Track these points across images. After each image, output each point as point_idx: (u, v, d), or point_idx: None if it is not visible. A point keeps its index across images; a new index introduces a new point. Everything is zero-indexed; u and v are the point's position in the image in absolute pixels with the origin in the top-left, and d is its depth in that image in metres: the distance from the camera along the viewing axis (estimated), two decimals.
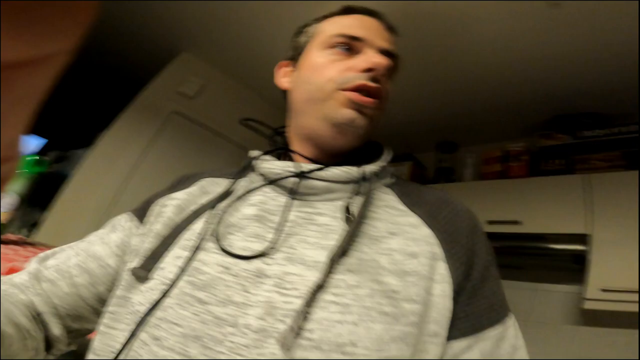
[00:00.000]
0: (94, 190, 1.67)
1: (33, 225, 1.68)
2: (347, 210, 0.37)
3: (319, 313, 0.30)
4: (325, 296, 0.31)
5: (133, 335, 0.32)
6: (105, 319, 0.36)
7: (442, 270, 0.35)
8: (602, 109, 1.32)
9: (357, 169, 0.41)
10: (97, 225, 0.51)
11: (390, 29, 0.50)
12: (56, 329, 0.38)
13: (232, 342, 0.29)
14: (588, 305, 1.11)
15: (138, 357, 0.31)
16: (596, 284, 1.12)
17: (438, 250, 0.36)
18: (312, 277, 0.32)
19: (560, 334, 1.24)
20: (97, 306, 0.41)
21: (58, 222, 1.54)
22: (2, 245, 0.80)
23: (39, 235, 1.46)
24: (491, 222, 1.36)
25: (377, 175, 0.43)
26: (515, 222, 1.31)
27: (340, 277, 0.32)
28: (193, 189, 0.45)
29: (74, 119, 3.50)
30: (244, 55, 1.88)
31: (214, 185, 0.46)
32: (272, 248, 0.35)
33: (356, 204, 0.38)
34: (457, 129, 1.80)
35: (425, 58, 1.28)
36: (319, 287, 0.31)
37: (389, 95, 0.46)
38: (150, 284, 0.35)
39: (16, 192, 0.88)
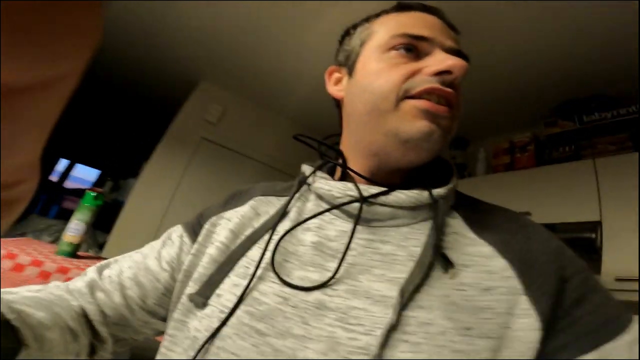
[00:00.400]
0: (144, 213, 1.95)
1: (101, 246, 2.01)
2: (435, 246, 0.33)
3: (388, 353, 0.28)
4: (396, 335, 0.29)
5: None
6: (165, 342, 0.36)
7: (524, 305, 0.31)
8: (607, 91, 1.28)
9: (428, 194, 0.36)
10: (150, 241, 0.53)
11: (454, 27, 0.43)
12: (103, 336, 0.39)
13: None
14: None
15: None
16: (610, 273, 1.08)
17: (516, 283, 0.32)
18: (380, 313, 0.30)
19: None
20: (145, 318, 0.41)
21: (119, 241, 1.84)
22: (79, 260, 1.04)
23: (105, 253, 1.77)
24: None
25: (444, 198, 0.37)
26: (524, 214, 1.32)
27: (411, 314, 0.30)
28: (245, 210, 0.43)
29: (119, 150, 3.97)
30: (257, 77, 2.05)
31: (266, 205, 0.43)
32: (333, 279, 0.33)
33: (423, 232, 0.35)
34: (467, 124, 1.82)
35: None
36: (393, 327, 0.29)
37: (461, 105, 0.39)
38: (208, 310, 0.34)
39: (83, 220, 1.12)
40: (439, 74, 0.35)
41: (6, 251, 0.88)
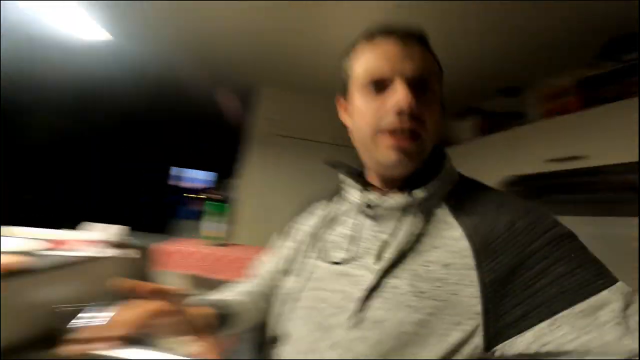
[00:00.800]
0: (250, 204, 2.51)
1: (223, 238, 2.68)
2: (412, 234, 0.47)
3: (368, 303, 0.45)
4: (374, 292, 0.45)
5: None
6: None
7: (472, 278, 0.42)
8: None
9: (407, 198, 0.49)
10: (258, 229, 1.04)
11: (419, 40, 0.50)
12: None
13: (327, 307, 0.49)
14: None
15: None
16: None
17: (471, 261, 0.42)
18: (371, 279, 0.46)
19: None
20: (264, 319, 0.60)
21: (236, 229, 2.45)
22: (225, 247, 1.55)
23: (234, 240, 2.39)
24: (551, 160, 1.44)
25: (427, 197, 0.49)
26: (575, 158, 1.34)
27: (387, 281, 0.45)
28: (307, 216, 0.66)
29: (219, 153, 4.79)
30: (307, 73, 2.34)
31: (318, 209, 0.65)
32: (352, 258, 0.51)
33: (409, 223, 0.48)
34: (517, 71, 1.82)
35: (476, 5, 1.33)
36: (373, 287, 0.45)
37: (437, 114, 0.50)
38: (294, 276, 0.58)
39: (214, 220, 1.63)
40: (398, 116, 0.45)
41: (194, 249, 1.41)
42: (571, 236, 0.43)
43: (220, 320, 0.51)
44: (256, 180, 2.59)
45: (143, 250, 1.40)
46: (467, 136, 2.17)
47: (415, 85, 0.47)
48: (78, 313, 0.72)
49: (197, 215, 4.08)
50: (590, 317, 0.36)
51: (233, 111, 3.30)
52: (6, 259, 0.77)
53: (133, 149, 5.15)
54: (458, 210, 0.48)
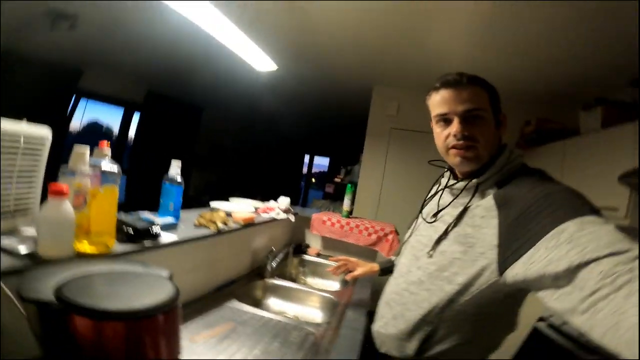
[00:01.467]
0: (368, 189, 3.05)
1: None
2: (462, 213, 0.75)
3: (440, 242, 0.77)
4: (443, 236, 0.76)
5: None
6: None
7: (495, 224, 0.66)
8: None
9: (467, 183, 0.76)
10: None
11: (469, 82, 0.75)
12: None
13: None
14: None
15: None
16: None
17: (494, 213, 0.67)
18: (435, 237, 0.78)
19: None
20: None
21: (358, 208, 3.03)
22: (354, 218, 2.10)
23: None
24: None
25: (480, 183, 0.73)
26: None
27: (450, 229, 0.76)
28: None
29: (343, 144, 5.60)
30: (415, 71, 2.62)
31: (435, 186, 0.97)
32: (435, 221, 0.82)
33: (467, 198, 0.75)
34: None
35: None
36: (442, 235, 0.76)
37: (487, 130, 0.75)
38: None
39: (349, 199, 2.17)
40: (455, 138, 0.75)
41: (336, 220, 2.02)
42: (565, 190, 0.59)
43: (382, 271, 1.21)
44: (371, 168, 3.09)
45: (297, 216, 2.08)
46: (594, 127, 2.09)
47: (467, 117, 0.74)
48: (276, 255, 1.39)
49: (323, 195, 4.87)
50: (555, 239, 0.52)
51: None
52: (246, 215, 1.49)
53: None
54: (502, 199, 0.68)
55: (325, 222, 2.01)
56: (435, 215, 0.84)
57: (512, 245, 0.59)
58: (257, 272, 1.56)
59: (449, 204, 0.81)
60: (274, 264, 1.55)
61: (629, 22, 1.47)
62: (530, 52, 2.00)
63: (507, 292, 0.66)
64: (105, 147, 0.75)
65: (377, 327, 0.90)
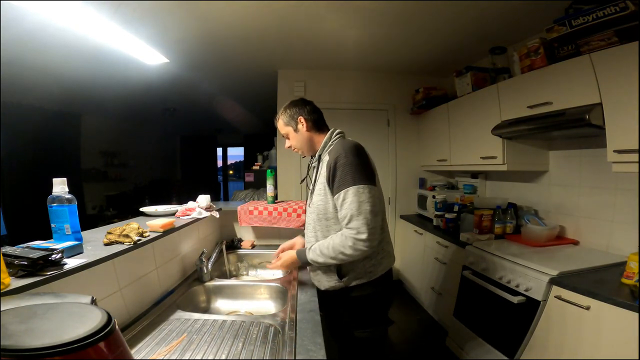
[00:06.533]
0: (288, 171, 3.07)
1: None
2: (315, 174, 1.26)
3: (313, 196, 1.25)
4: (314, 193, 1.23)
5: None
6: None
7: (328, 178, 1.15)
8: None
9: (312, 160, 1.31)
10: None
11: (283, 113, 1.28)
12: None
13: None
14: (614, 168, 1.39)
15: None
16: (613, 146, 1.37)
17: (326, 173, 1.15)
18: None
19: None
20: None
21: (282, 192, 3.04)
22: (279, 203, 2.13)
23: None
24: (530, 107, 1.77)
25: (320, 152, 1.23)
26: (546, 103, 1.67)
27: (315, 187, 1.23)
28: None
29: (258, 134, 5.44)
30: (315, 52, 2.70)
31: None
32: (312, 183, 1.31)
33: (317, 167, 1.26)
34: (503, 32, 2.08)
35: None
36: (312, 191, 1.26)
37: (297, 139, 1.26)
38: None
39: (271, 184, 2.16)
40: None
41: (263, 207, 1.99)
42: (348, 164, 1.09)
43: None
44: (286, 152, 3.11)
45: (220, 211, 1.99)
46: (467, 90, 2.49)
47: (286, 135, 1.30)
48: (209, 256, 1.32)
49: (245, 185, 4.72)
50: (343, 195, 1.09)
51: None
52: (164, 221, 1.37)
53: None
54: (326, 157, 1.19)
55: (252, 212, 1.98)
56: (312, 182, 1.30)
57: (333, 185, 1.13)
58: (194, 277, 1.47)
59: (315, 170, 1.28)
60: (209, 266, 1.47)
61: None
62: (414, 26, 2.20)
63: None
64: None
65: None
